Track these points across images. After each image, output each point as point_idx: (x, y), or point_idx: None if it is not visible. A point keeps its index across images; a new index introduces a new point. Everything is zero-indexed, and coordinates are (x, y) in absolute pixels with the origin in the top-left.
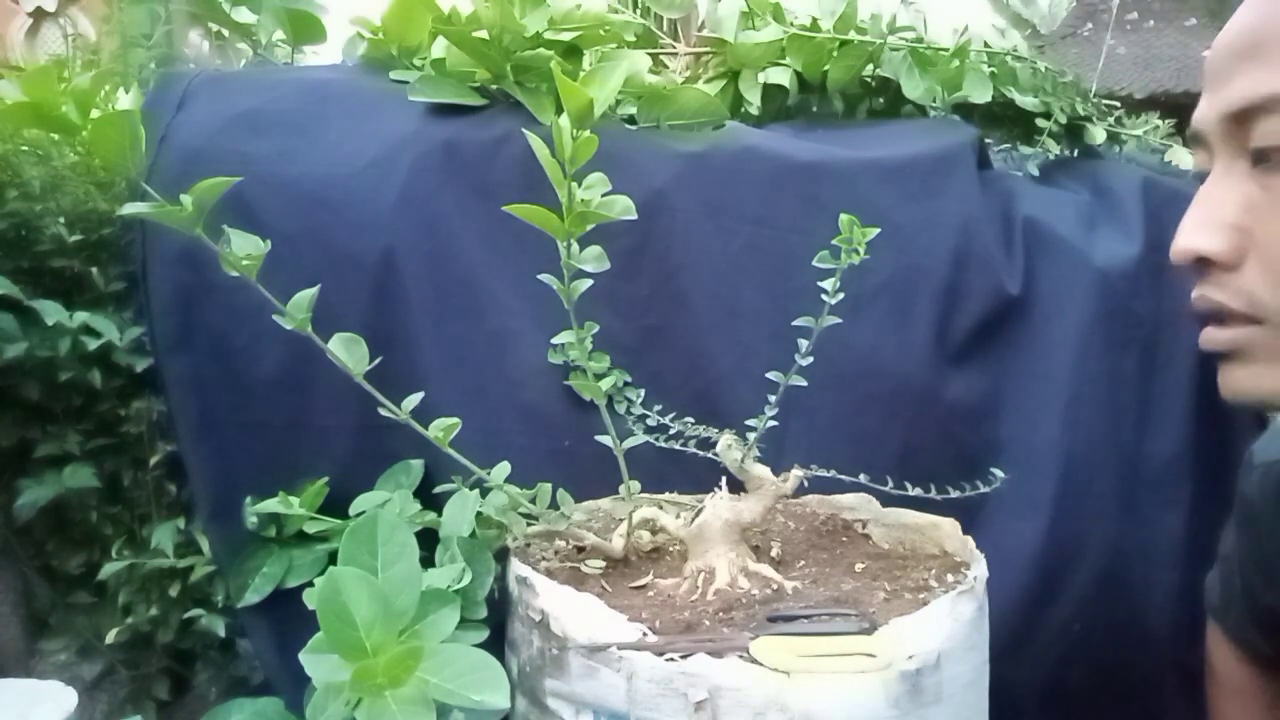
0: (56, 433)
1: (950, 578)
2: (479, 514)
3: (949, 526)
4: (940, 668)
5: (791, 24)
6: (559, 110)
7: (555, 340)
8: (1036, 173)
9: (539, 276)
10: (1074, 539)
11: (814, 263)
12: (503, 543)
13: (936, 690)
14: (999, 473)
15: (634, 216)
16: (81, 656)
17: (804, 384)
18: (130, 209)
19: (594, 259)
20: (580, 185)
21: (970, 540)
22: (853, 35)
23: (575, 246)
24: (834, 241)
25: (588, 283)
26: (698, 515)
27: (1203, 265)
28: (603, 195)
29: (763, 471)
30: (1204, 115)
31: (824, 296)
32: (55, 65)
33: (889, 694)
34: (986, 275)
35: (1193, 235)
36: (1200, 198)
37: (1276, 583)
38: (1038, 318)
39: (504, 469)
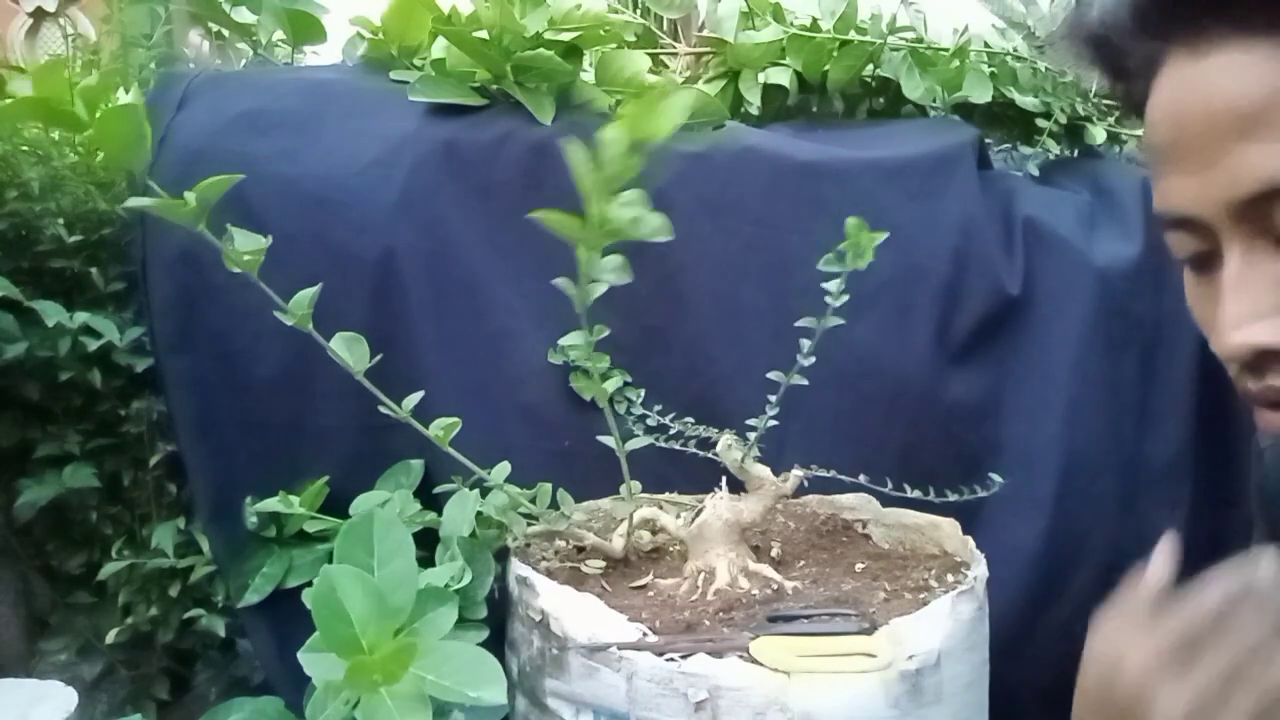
0: (56, 433)
1: (950, 578)
2: (479, 514)
3: (949, 527)
4: (940, 668)
5: (791, 24)
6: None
7: (562, 342)
8: (1036, 173)
9: (554, 281)
10: (1074, 539)
11: (819, 266)
12: (503, 543)
13: (936, 690)
14: (997, 478)
15: (669, 237)
16: (81, 656)
17: (805, 383)
18: (134, 203)
19: (615, 269)
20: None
21: (970, 540)
22: (853, 35)
23: (595, 255)
24: (840, 247)
25: (603, 287)
26: (698, 515)
27: (1263, 358)
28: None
29: (763, 471)
30: (1200, 199)
31: (827, 299)
32: (57, 64)
33: (889, 694)
34: (986, 275)
35: (1250, 330)
36: (1232, 287)
37: None
38: (1038, 318)
39: (504, 469)
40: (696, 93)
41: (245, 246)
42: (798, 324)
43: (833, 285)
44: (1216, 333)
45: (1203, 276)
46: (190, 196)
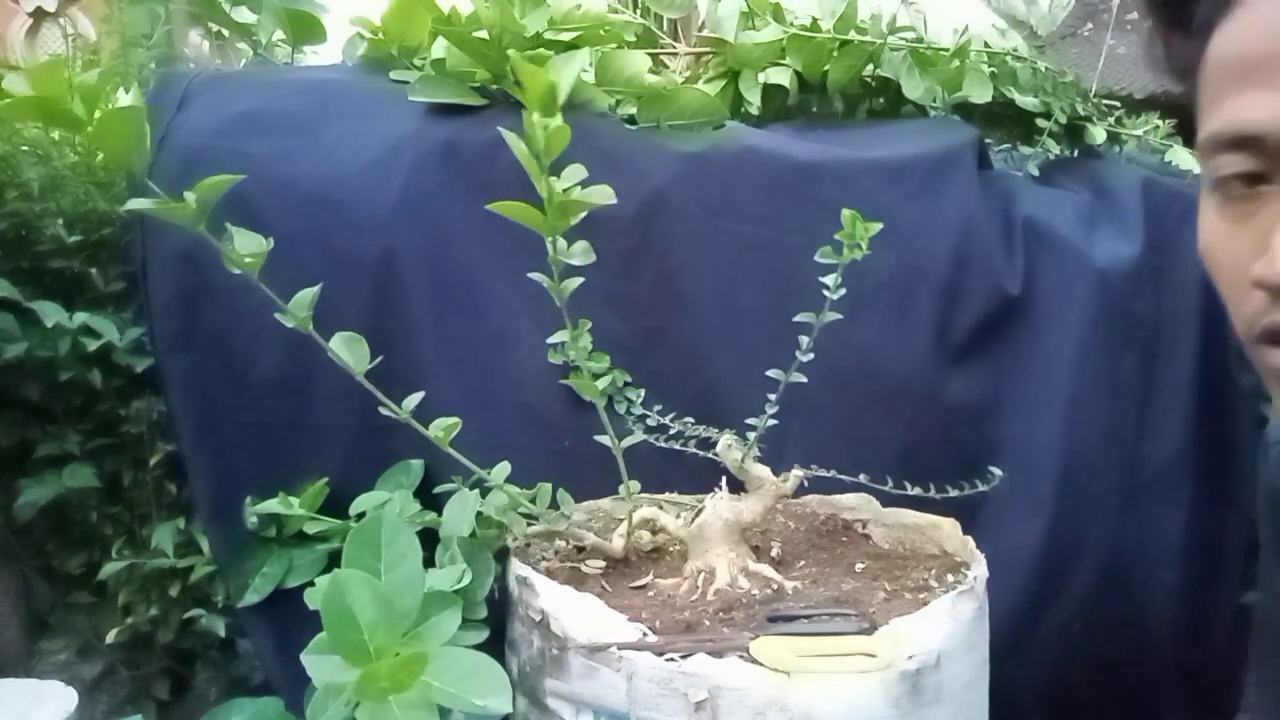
0: (56, 433)
1: (950, 578)
2: (479, 514)
3: (949, 526)
4: (940, 668)
5: (791, 24)
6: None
7: (551, 340)
8: (1036, 173)
9: (529, 275)
10: (1074, 539)
11: (816, 258)
12: (503, 543)
13: (936, 690)
14: (998, 471)
15: (613, 201)
16: (81, 656)
17: (804, 380)
18: (134, 204)
19: (580, 253)
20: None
21: (970, 540)
22: (853, 35)
23: (562, 242)
24: (836, 237)
25: (579, 280)
26: (698, 515)
27: None
28: (582, 185)
29: (763, 471)
30: (1273, 117)
31: (825, 292)
32: (56, 63)
33: (889, 694)
34: (986, 275)
35: None
36: None
37: None
38: (1038, 318)
39: (504, 469)
40: (696, 91)
41: (246, 247)
42: (796, 319)
43: (830, 279)
44: (1269, 256)
45: (1239, 205)
46: (190, 197)
